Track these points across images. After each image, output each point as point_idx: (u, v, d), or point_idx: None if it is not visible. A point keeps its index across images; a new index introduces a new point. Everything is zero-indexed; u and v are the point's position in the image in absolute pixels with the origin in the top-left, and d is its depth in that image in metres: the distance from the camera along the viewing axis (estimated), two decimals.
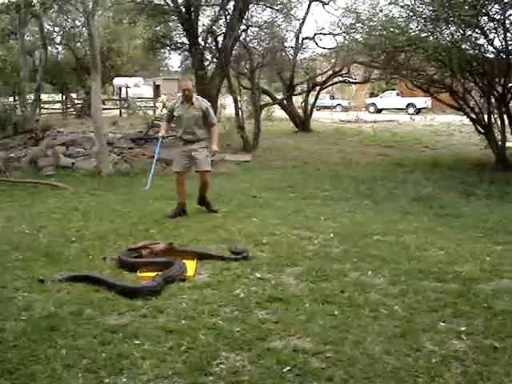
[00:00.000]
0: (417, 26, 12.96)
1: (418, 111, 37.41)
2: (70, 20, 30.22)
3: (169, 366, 3.52)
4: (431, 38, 12.50)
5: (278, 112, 27.55)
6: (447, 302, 4.60)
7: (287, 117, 24.55)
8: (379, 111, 39.68)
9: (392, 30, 12.96)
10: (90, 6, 12.34)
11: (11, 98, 24.72)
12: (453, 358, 3.65)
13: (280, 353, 3.68)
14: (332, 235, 6.76)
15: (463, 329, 4.08)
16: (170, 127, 8.54)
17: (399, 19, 13.29)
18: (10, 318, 4.28)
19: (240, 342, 3.84)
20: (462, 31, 12.19)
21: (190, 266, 5.50)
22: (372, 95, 42.35)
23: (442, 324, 4.19)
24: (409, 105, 38.51)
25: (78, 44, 32.39)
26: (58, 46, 33.73)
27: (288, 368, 3.48)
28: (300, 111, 24.54)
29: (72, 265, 5.64)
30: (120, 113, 35.22)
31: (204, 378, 3.37)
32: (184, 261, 5.56)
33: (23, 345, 3.81)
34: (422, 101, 36.61)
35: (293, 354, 3.66)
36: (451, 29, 12.41)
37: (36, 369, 3.48)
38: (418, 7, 12.91)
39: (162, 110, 29.38)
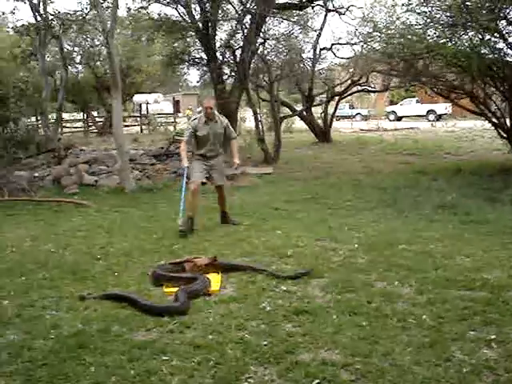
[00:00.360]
0: (435, 33, 12.89)
1: (439, 117, 37.20)
2: (89, 39, 30.54)
3: (197, 381, 3.52)
4: (450, 44, 12.43)
5: (298, 123, 27.56)
6: (476, 310, 4.55)
7: (307, 128, 24.53)
8: (399, 119, 39.52)
9: (410, 37, 12.92)
10: (109, 25, 12.49)
11: (33, 118, 24.98)
12: (483, 367, 3.61)
13: (308, 366, 3.66)
14: (357, 245, 6.73)
15: (493, 337, 4.03)
16: (188, 148, 8.28)
17: (417, 26, 13.26)
18: (38, 336, 4.32)
19: (268, 356, 3.82)
20: (480, 36, 12.10)
21: (216, 279, 5.51)
22: (392, 103, 42.24)
23: (472, 333, 4.14)
24: (429, 111, 38.31)
25: (98, 63, 32.71)
26: (78, 66, 34.06)
27: (317, 381, 3.46)
28: (320, 122, 24.51)
29: (98, 282, 5.68)
30: (141, 129, 35.52)
31: None
32: (209, 275, 5.59)
33: (52, 363, 3.84)
34: (443, 107, 36.42)
35: (321, 367, 3.64)
36: (470, 34, 12.33)
37: None
38: (436, 14, 12.85)
39: (187, 121, 29.44)
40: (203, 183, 8.18)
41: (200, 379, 3.55)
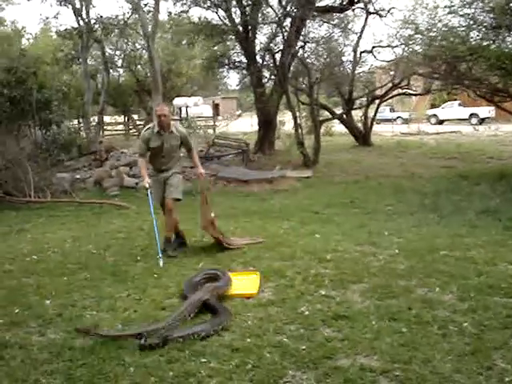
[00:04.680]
0: (478, 35, 12.71)
1: (482, 121, 36.49)
2: (130, 43, 30.95)
3: None
4: (493, 46, 12.22)
5: (338, 127, 27.44)
6: None
7: (347, 131, 24.39)
8: (441, 122, 38.90)
9: (452, 39, 12.75)
10: (150, 29, 12.65)
11: (75, 121, 25.45)
12: None
13: (347, 371, 3.63)
14: (397, 251, 6.64)
15: None
16: (147, 161, 7.32)
17: (459, 28, 13.08)
18: (79, 335, 4.38)
19: (306, 360, 3.80)
20: None
21: (254, 282, 5.51)
22: (433, 106, 41.64)
23: None
24: (472, 115, 37.60)
25: (139, 66, 33.14)
26: (119, 69, 34.56)
27: None
28: (360, 125, 24.34)
29: (137, 283, 5.74)
30: None
31: None
32: (248, 276, 5.61)
33: (92, 362, 3.89)
34: (486, 110, 35.71)
35: (360, 373, 3.61)
36: None
37: None
38: (479, 15, 12.65)
39: None
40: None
41: (238, 382, 3.55)
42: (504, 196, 10.18)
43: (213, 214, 7.11)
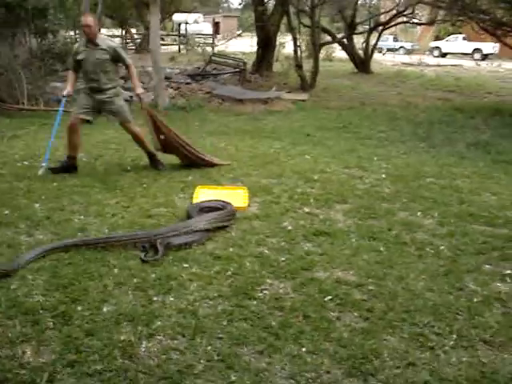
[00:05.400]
0: None
1: (485, 57, 35.96)
2: None
3: (215, 288, 3.67)
4: None
5: (339, 53, 27.00)
6: (495, 245, 4.58)
7: (347, 57, 24.03)
8: (444, 55, 38.30)
9: None
10: None
11: (72, 32, 24.88)
12: (494, 299, 3.67)
13: (323, 283, 3.77)
14: (384, 175, 6.74)
15: (508, 272, 4.08)
16: (77, 77, 6.83)
17: None
18: (66, 238, 4.50)
19: (285, 271, 3.95)
20: None
21: (243, 197, 5.60)
22: (437, 39, 40.88)
23: (487, 266, 4.19)
24: (475, 50, 36.98)
25: None
26: None
27: (329, 297, 3.58)
28: (361, 52, 23.95)
29: (126, 192, 5.83)
30: (179, 49, 35.17)
31: (247, 302, 3.50)
32: (235, 191, 5.71)
33: (78, 262, 4.02)
34: (490, 46, 35.10)
35: (335, 285, 3.75)
36: None
37: (89, 284, 3.68)
38: None
39: None
40: (87, 121, 6.92)
41: (217, 287, 3.69)
42: (496, 130, 10.20)
43: (162, 137, 6.74)
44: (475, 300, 3.64)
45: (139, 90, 6.66)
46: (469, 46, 37.47)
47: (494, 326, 3.32)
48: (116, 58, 6.55)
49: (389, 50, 38.90)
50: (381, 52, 35.07)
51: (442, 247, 4.50)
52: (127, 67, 6.64)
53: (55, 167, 6.66)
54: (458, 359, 2.99)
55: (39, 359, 2.89)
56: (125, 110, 6.73)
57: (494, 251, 4.46)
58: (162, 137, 6.75)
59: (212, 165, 6.96)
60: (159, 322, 3.24)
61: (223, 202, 5.18)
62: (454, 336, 3.20)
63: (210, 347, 3.01)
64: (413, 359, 2.97)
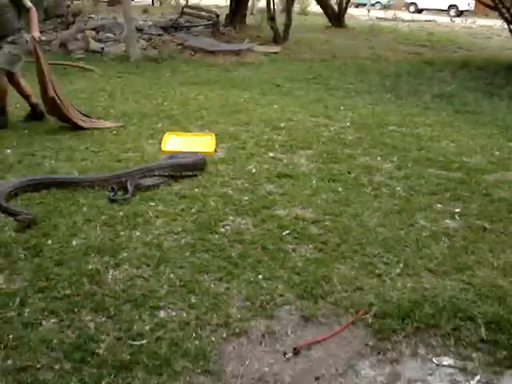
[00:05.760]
0: None
1: (460, 13, 36.00)
2: None
3: (179, 224, 3.88)
4: None
5: (315, 7, 26.82)
6: (448, 187, 4.84)
7: (322, 12, 23.89)
8: (420, 11, 38.24)
9: None
10: None
11: None
12: (443, 233, 3.94)
13: (282, 219, 4.00)
14: (349, 124, 6.94)
15: (458, 210, 4.35)
16: None
17: None
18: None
19: (247, 209, 4.17)
20: None
21: (210, 143, 5.77)
22: None
23: (439, 205, 4.45)
24: (451, 6, 36.98)
25: None
26: None
27: (287, 232, 3.81)
28: (335, 7, 23.81)
29: (96, 138, 5.96)
30: (152, 2, 34.59)
31: (210, 236, 3.71)
32: (204, 137, 5.87)
33: (48, 202, 4.19)
34: (465, 2, 35.18)
35: (294, 221, 3.99)
36: None
37: (59, 221, 3.85)
38: None
39: None
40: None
41: (182, 222, 3.90)
42: (462, 83, 10.40)
43: (52, 94, 6.22)
44: (424, 234, 3.90)
45: (36, 34, 6.19)
46: (444, 2, 37.46)
47: (439, 257, 3.58)
48: (16, 2, 6.15)
49: (360, 4, 38.66)
50: (357, 7, 34.88)
51: (398, 188, 4.75)
52: (28, 10, 6.18)
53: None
54: (402, 285, 3.24)
55: (11, 286, 3.08)
56: (8, 58, 6.24)
57: (446, 192, 4.72)
58: (52, 95, 6.21)
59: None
60: (125, 254, 3.44)
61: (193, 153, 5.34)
62: (401, 265, 3.45)
63: (172, 275, 3.23)
64: (361, 284, 3.22)
